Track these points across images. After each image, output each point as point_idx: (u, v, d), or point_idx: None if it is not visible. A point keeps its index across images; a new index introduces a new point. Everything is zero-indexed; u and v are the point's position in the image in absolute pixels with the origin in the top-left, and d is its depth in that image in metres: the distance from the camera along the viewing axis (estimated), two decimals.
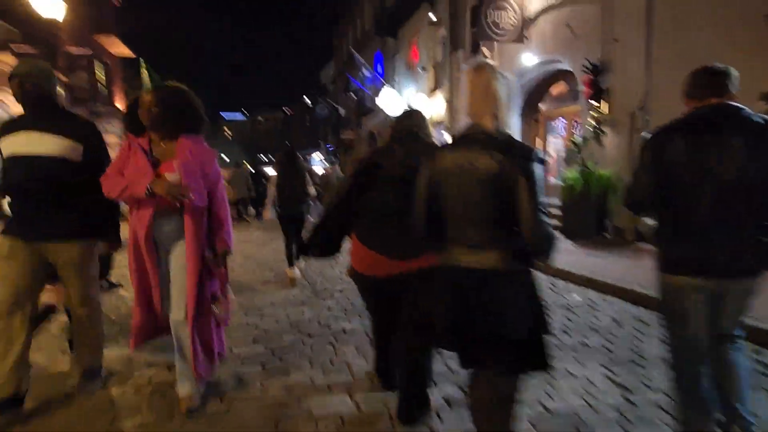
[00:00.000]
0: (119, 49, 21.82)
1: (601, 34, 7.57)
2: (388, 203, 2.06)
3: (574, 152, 7.57)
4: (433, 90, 15.23)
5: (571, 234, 7.49)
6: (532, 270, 1.64)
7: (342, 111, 29.75)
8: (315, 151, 35.89)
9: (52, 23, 7.13)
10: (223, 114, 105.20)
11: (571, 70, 8.63)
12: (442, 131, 13.97)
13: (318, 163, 29.56)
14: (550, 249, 1.57)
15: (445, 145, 1.76)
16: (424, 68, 15.50)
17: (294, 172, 5.45)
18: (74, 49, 7.67)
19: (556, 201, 8.90)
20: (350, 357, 3.24)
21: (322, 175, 11.72)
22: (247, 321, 4.09)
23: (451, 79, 13.53)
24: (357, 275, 2.26)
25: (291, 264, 5.45)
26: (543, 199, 1.53)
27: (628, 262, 5.79)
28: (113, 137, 21.75)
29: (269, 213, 5.76)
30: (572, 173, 7.43)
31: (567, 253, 6.29)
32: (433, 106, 14.91)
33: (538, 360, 1.62)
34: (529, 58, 9.54)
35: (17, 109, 2.53)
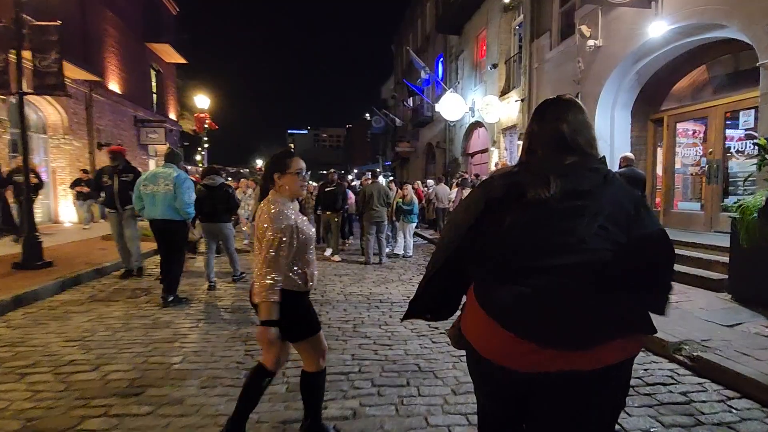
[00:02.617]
0: (173, 57, 21.47)
1: None
2: (540, 247, 1.19)
3: (758, 159, 4.47)
4: (504, 91, 12.47)
5: (748, 300, 4.44)
6: None
7: (399, 122, 27.62)
8: (374, 167, 34.10)
9: None
10: (289, 130, 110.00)
11: (740, 37, 5.58)
12: (519, 141, 11.13)
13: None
14: None
15: None
16: (494, 65, 12.83)
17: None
18: (42, 22, 5.80)
19: (713, 241, 5.77)
20: None
21: (360, 189, 9.36)
22: None
23: (530, 73, 10.73)
24: (473, 355, 1.31)
25: None
26: None
27: None
28: (162, 147, 21.38)
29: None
30: (759, 196, 4.36)
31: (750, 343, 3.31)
32: (504, 110, 12.14)
33: None
34: (658, 29, 6.57)
35: None
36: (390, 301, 5.31)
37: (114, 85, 16.10)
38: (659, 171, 8.17)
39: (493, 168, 11.96)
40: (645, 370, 3.32)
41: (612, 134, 8.18)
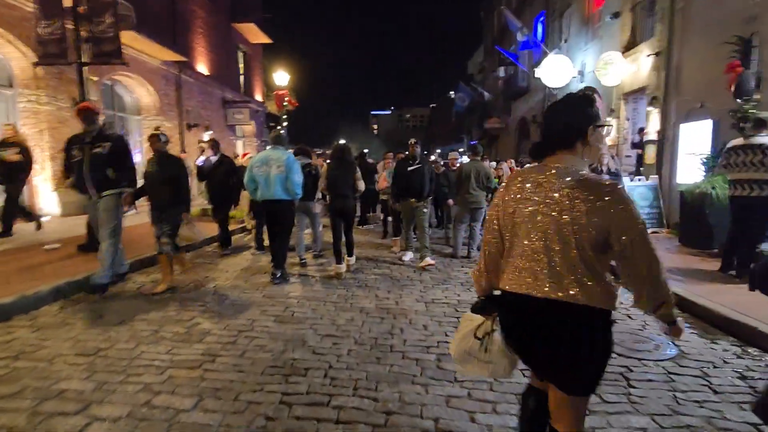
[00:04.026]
0: (258, 37, 21.53)
1: None
2: None
3: None
4: (628, 46, 10.01)
5: None
6: None
7: (487, 96, 25.28)
8: (458, 147, 32.12)
9: None
10: (372, 111, 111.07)
11: None
12: (651, 106, 8.80)
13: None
14: None
15: None
16: (615, 14, 10.37)
17: (344, 167, 5.48)
18: None
19: None
20: None
21: (448, 171, 7.87)
22: None
23: (671, 17, 8.29)
24: None
25: (339, 261, 5.35)
26: None
27: None
28: (248, 128, 21.73)
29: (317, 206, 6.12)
30: None
31: None
32: (628, 69, 9.74)
33: None
34: None
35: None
36: None
37: (202, 67, 16.34)
38: None
39: (607, 142, 9.74)
40: None
41: None
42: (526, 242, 1.46)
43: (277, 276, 4.96)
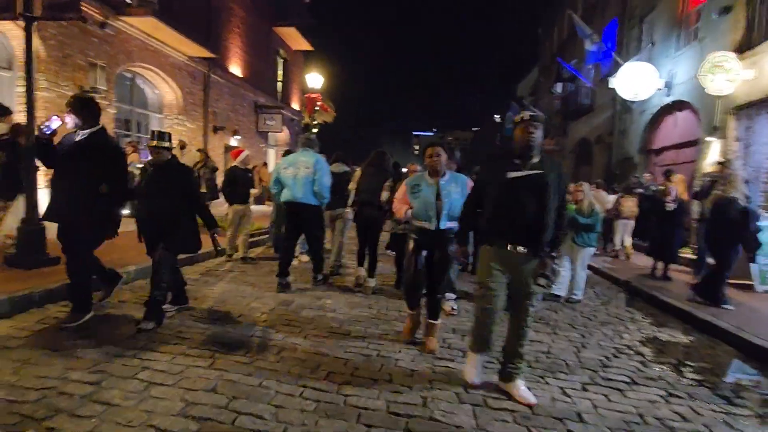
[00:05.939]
0: (299, 43, 20.63)
1: None
2: None
3: None
4: (743, 46, 7.82)
5: None
6: None
7: (540, 115, 23.10)
8: None
9: None
10: (414, 132, 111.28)
11: None
12: None
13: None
14: None
15: None
16: (724, 9, 8.27)
17: (379, 175, 5.02)
18: None
19: None
20: None
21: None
22: None
23: None
24: None
25: (361, 263, 5.26)
26: None
27: None
28: (284, 134, 20.56)
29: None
30: None
31: None
32: (744, 75, 7.56)
33: None
34: None
35: None
36: None
37: (235, 68, 15.38)
38: None
39: (707, 165, 7.59)
40: None
41: None
42: None
43: (318, 279, 5.06)
